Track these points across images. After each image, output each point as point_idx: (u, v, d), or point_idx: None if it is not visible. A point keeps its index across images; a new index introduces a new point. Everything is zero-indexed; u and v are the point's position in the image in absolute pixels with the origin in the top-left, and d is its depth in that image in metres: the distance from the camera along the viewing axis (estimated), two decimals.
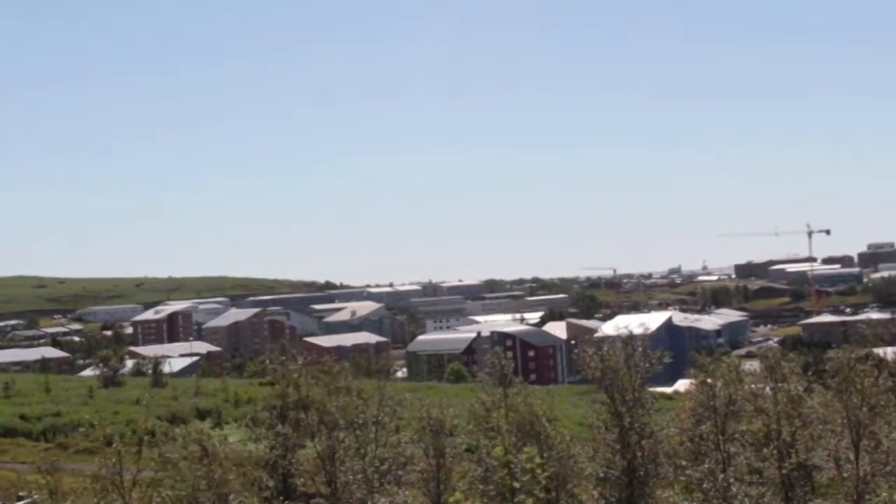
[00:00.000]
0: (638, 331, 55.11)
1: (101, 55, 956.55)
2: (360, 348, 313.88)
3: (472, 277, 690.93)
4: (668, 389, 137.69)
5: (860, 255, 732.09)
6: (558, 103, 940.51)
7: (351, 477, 47.05)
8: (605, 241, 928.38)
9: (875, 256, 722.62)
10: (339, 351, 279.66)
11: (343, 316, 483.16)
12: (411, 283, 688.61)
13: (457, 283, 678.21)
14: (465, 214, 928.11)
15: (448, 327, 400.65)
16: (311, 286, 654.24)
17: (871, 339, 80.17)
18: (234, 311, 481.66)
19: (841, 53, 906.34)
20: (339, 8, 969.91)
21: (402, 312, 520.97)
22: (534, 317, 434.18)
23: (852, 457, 45.34)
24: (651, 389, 58.78)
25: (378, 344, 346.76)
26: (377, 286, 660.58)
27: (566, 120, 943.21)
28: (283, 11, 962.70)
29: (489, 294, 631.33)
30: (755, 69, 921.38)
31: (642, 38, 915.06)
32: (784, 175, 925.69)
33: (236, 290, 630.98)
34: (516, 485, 26.31)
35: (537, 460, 26.95)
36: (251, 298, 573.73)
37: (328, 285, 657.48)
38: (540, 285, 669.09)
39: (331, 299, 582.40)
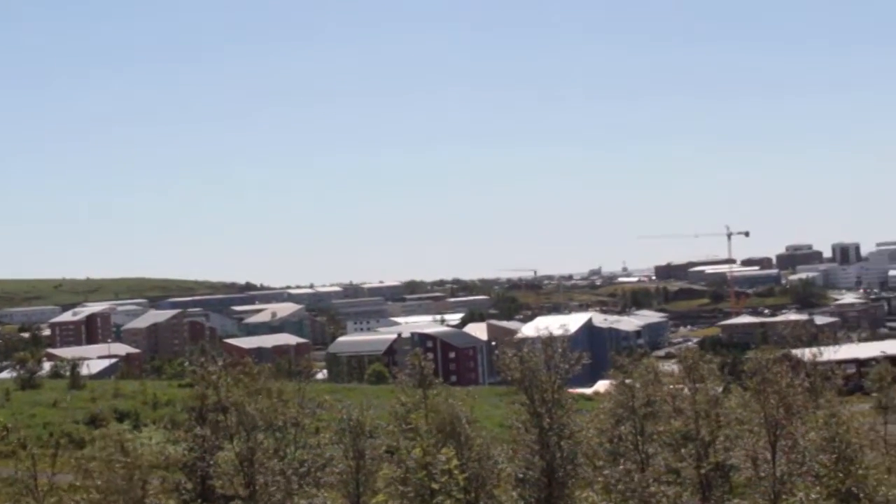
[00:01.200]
0: (558, 332, 55.23)
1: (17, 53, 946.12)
2: (280, 350, 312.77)
3: (393, 279, 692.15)
4: (588, 390, 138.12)
5: (778, 257, 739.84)
6: (477, 103, 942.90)
7: (270, 479, 46.78)
8: (526, 242, 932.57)
9: (793, 258, 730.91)
10: (259, 352, 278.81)
11: (263, 317, 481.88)
12: (332, 285, 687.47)
13: (378, 285, 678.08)
14: (385, 216, 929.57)
15: (369, 329, 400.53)
16: (231, 287, 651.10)
17: (788, 340, 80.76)
18: (153, 312, 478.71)
19: (755, 53, 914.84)
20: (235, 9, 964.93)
21: (323, 314, 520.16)
22: (455, 318, 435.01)
23: (769, 457, 45.67)
24: (571, 390, 58.95)
25: (298, 345, 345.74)
26: (298, 287, 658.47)
27: (486, 120, 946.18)
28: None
29: (410, 295, 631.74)
30: (670, 70, 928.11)
31: (560, 38, 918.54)
32: (703, 177, 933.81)
33: (155, 292, 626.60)
34: (435, 486, 26.36)
35: (455, 462, 26.96)
36: (171, 300, 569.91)
37: (248, 287, 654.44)
38: (461, 287, 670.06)
39: (251, 301, 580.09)
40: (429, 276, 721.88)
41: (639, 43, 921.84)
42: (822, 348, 76.85)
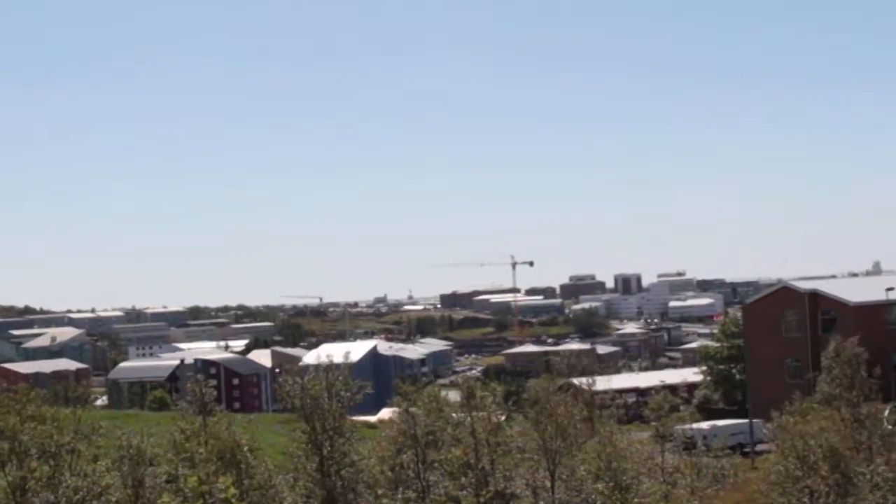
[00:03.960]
0: (341, 360, 55.10)
1: None
2: (59, 375, 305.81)
3: (177, 304, 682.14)
4: (372, 418, 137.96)
5: (562, 287, 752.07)
6: (260, 127, 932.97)
7: None
8: (311, 269, 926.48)
9: (576, 288, 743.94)
10: (37, 378, 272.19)
11: (42, 342, 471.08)
12: (114, 309, 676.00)
13: (161, 310, 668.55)
14: (168, 240, 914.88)
15: (151, 354, 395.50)
16: (9, 311, 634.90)
17: (570, 369, 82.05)
18: None
19: (535, 81, 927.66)
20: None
21: (105, 339, 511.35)
22: (239, 344, 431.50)
23: (548, 485, 46.17)
24: (355, 418, 58.78)
25: (78, 371, 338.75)
26: (79, 312, 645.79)
27: (269, 146, 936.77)
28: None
29: (194, 321, 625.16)
30: (458, 98, 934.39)
31: (342, 66, 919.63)
32: (488, 206, 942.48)
33: None
34: None
35: (233, 490, 26.59)
36: None
37: (27, 310, 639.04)
38: (245, 313, 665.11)
39: (30, 324, 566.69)
40: (213, 302, 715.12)
41: (419, 67, 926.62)
42: (598, 377, 78.09)
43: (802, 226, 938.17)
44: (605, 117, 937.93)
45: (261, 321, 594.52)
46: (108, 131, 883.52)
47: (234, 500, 24.58)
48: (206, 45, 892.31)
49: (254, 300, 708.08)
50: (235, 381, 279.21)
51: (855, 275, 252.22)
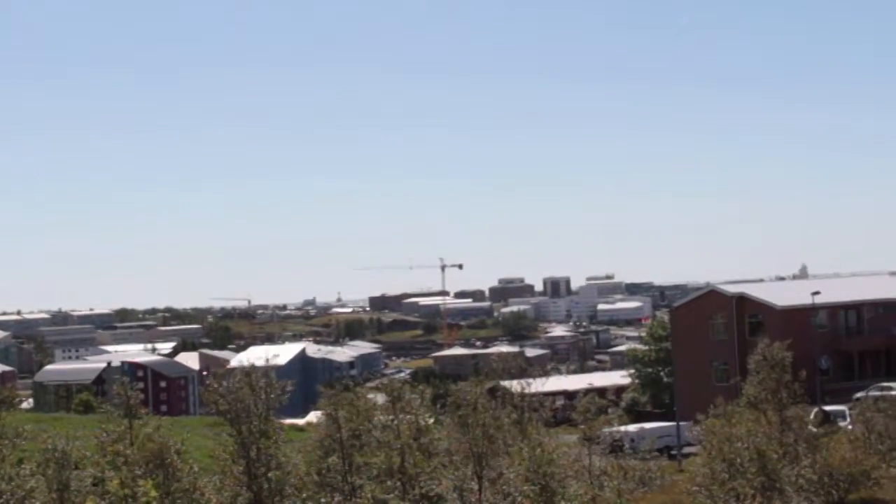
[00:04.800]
0: (269, 362, 54.87)
1: None
2: None
3: (104, 306, 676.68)
4: (300, 421, 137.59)
5: (491, 290, 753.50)
6: (180, 132, 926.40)
7: None
8: (240, 271, 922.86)
9: (505, 291, 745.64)
10: None
11: None
12: (40, 311, 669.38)
13: (87, 312, 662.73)
14: (95, 242, 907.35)
15: (78, 357, 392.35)
16: None
17: (498, 371, 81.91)
18: None
19: (462, 90, 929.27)
20: None
21: (30, 341, 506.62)
22: (166, 347, 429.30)
23: (475, 487, 46.11)
24: (282, 421, 58.52)
25: (4, 373, 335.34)
26: (4, 314, 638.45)
27: (191, 152, 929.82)
28: None
29: (121, 323, 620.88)
30: (377, 101, 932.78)
31: (256, 68, 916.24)
32: (418, 209, 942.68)
33: None
34: None
35: (154, 493, 26.31)
36: None
37: None
38: (173, 315, 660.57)
39: None
40: (140, 305, 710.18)
41: (342, 76, 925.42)
42: (530, 380, 78.04)
43: (730, 230, 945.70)
44: (531, 121, 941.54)
45: (189, 324, 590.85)
46: (30, 132, 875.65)
47: (154, 503, 24.35)
48: (129, 48, 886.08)
49: (182, 302, 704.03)
50: (163, 384, 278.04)
51: (782, 278, 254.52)
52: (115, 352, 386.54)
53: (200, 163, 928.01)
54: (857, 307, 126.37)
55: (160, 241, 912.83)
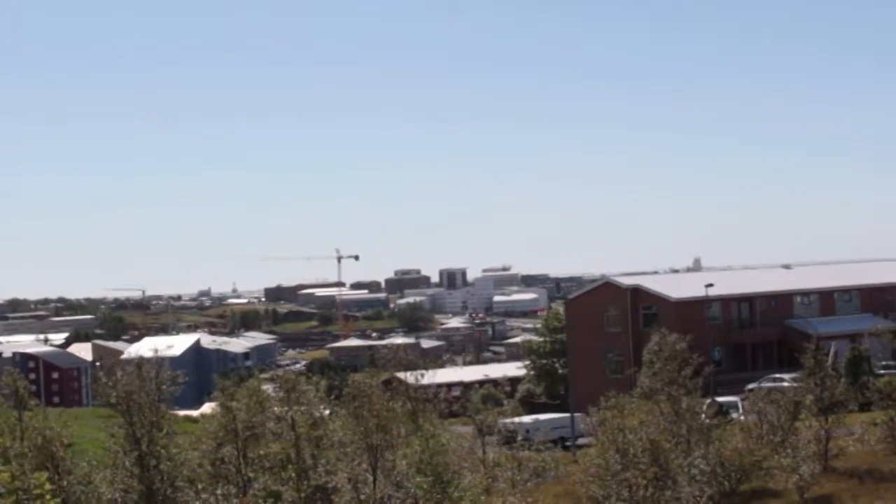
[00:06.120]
0: (163, 353, 54.36)
1: None
2: None
3: None
4: (195, 412, 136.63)
5: (387, 281, 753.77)
6: (76, 123, 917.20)
7: None
8: (134, 261, 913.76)
9: (401, 282, 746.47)
10: None
11: None
12: None
13: None
14: None
15: None
16: None
17: (393, 363, 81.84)
18: None
19: (358, 79, 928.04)
20: None
21: None
22: (59, 338, 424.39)
23: (370, 479, 46.04)
24: (175, 412, 57.98)
25: None
26: None
27: (87, 145, 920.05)
28: None
29: (12, 314, 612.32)
30: (278, 93, 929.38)
31: (171, 62, 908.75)
32: (314, 199, 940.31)
33: None
34: None
35: (48, 486, 25.73)
36: None
37: None
38: (66, 306, 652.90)
39: None
40: (32, 295, 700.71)
41: (231, 68, 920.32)
42: (426, 372, 78.08)
43: (626, 222, 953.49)
44: (426, 111, 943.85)
45: (82, 314, 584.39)
46: None
47: (48, 497, 23.81)
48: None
49: (75, 293, 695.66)
50: (55, 375, 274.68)
51: (676, 271, 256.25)
52: (7, 342, 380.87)
53: (92, 153, 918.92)
54: (749, 300, 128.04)
55: (52, 230, 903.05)
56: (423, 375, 76.85)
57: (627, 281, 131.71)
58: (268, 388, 53.39)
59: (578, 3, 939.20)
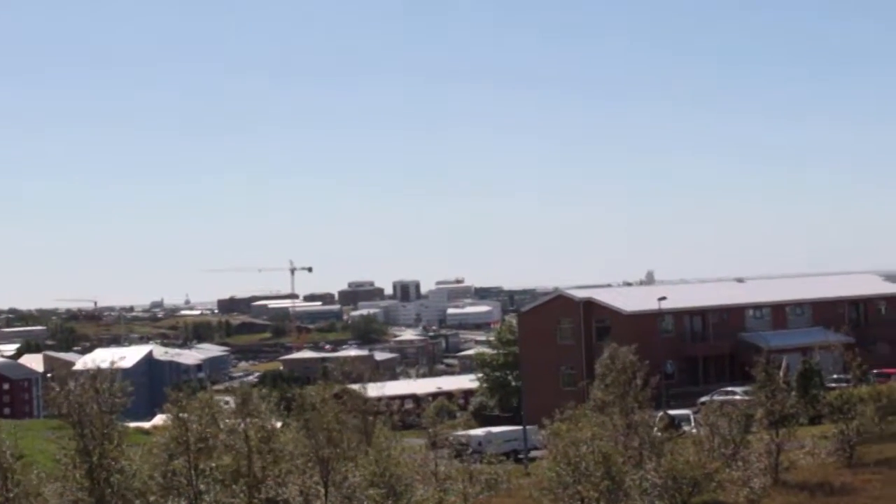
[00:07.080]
0: (114, 364, 54.04)
1: None
2: None
3: None
4: (146, 424, 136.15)
5: (341, 293, 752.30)
6: (24, 131, 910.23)
7: None
8: (86, 272, 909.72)
9: (355, 294, 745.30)
10: None
11: None
12: None
13: None
14: None
15: None
16: None
17: (345, 375, 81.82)
18: None
19: (317, 90, 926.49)
20: None
21: None
22: (9, 349, 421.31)
23: (322, 492, 45.95)
24: (127, 424, 57.70)
25: None
26: None
27: (41, 148, 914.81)
28: None
29: None
30: (231, 101, 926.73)
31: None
32: (267, 212, 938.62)
33: None
34: None
35: None
36: None
37: None
38: (17, 316, 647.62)
39: None
40: None
41: (189, 77, 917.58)
42: (372, 384, 78.03)
43: (579, 236, 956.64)
44: (381, 122, 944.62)
45: (33, 325, 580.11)
46: None
47: None
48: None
49: (26, 303, 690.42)
50: (6, 387, 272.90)
51: (629, 284, 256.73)
52: None
53: (44, 162, 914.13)
54: (702, 313, 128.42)
55: (4, 241, 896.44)
56: (365, 388, 76.90)
57: (580, 294, 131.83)
58: (221, 399, 53.22)
59: (536, 16, 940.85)
